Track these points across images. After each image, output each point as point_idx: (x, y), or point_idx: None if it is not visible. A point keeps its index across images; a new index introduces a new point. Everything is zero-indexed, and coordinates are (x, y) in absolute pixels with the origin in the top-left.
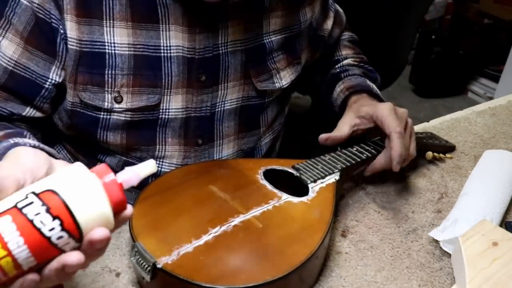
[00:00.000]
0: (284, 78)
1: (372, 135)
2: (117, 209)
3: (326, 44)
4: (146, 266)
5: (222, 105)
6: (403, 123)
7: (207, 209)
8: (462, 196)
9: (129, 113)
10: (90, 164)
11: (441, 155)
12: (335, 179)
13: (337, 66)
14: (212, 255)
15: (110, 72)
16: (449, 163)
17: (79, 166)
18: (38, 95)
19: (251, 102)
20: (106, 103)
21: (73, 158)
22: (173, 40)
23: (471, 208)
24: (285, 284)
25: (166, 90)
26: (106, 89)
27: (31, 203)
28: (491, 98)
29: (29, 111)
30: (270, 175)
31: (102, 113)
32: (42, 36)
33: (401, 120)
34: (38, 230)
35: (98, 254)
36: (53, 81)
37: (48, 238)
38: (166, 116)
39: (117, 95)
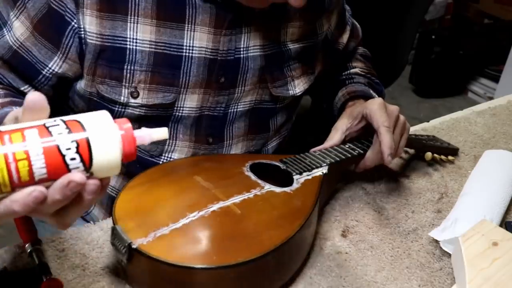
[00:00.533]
0: (298, 86)
1: (368, 136)
2: (126, 158)
3: (341, 56)
4: (123, 247)
5: (236, 107)
6: (392, 119)
7: (188, 196)
8: (462, 196)
9: (144, 108)
10: None
11: (442, 156)
12: (323, 172)
13: (344, 73)
14: (187, 237)
15: (129, 67)
16: (449, 163)
17: (105, 112)
18: (36, 79)
19: (263, 106)
20: (122, 97)
21: None
22: (197, 41)
23: (471, 208)
24: (259, 267)
25: (182, 89)
26: (124, 83)
27: (57, 125)
28: (491, 98)
29: (27, 88)
30: (257, 169)
31: (117, 106)
32: (51, 26)
33: (391, 116)
34: (57, 146)
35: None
36: (51, 70)
37: (63, 156)
38: (180, 114)
39: (133, 90)
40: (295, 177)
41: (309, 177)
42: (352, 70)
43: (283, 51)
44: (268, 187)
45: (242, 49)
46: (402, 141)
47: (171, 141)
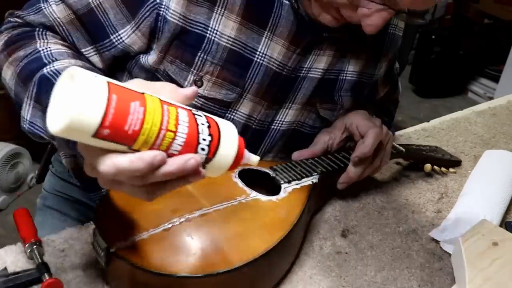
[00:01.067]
0: None
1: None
2: (232, 166)
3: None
4: (101, 250)
5: (280, 124)
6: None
7: (172, 201)
8: (462, 196)
9: (202, 100)
10: None
11: (443, 169)
12: (312, 182)
13: None
14: (165, 244)
15: (202, 55)
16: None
17: (232, 125)
18: (102, 42)
19: (303, 129)
20: (186, 82)
21: None
22: (271, 50)
23: (471, 208)
24: (236, 277)
25: (244, 93)
26: (192, 69)
27: (200, 116)
28: (491, 98)
29: (88, 51)
30: (247, 175)
31: None
32: None
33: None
34: (198, 133)
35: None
36: (119, 38)
37: (198, 144)
38: (232, 117)
39: (199, 79)
40: (283, 185)
41: (298, 186)
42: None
43: (338, 79)
44: (254, 195)
45: (304, 69)
46: (387, 148)
47: None
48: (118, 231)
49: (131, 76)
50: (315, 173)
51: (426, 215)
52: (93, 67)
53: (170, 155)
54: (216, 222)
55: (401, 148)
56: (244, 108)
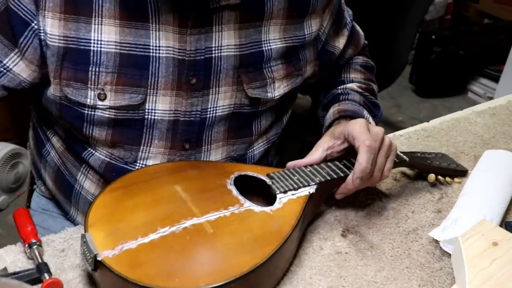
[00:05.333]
0: (278, 89)
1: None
2: None
3: (336, 62)
4: (89, 257)
5: (214, 111)
6: (377, 140)
7: (163, 208)
8: (462, 196)
9: (113, 110)
10: (75, 166)
11: (447, 179)
12: (309, 192)
13: (340, 87)
14: (153, 255)
15: (94, 69)
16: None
17: None
18: None
19: (243, 110)
20: (89, 100)
21: (60, 160)
22: (163, 40)
23: (471, 208)
24: None
25: (151, 90)
26: (89, 86)
27: None
28: (491, 98)
29: None
30: (243, 182)
31: (86, 109)
32: (7, 24)
33: (375, 138)
34: None
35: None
36: (5, 67)
37: None
38: (152, 117)
39: (100, 92)
40: (279, 195)
41: (294, 197)
42: (349, 85)
43: (263, 51)
44: (247, 205)
45: (213, 48)
46: (388, 163)
47: (145, 147)
48: (106, 237)
49: (48, 110)
50: (313, 183)
51: (426, 215)
52: None
53: None
54: (207, 234)
55: (404, 157)
56: (162, 105)
